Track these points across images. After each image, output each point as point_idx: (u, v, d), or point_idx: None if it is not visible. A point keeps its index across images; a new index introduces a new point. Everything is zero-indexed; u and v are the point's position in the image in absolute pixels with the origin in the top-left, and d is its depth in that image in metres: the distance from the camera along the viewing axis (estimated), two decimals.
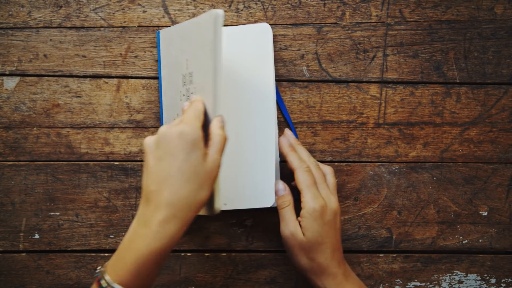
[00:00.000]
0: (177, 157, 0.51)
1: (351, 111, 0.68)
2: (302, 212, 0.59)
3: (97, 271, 0.67)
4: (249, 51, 0.65)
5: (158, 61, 0.67)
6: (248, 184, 0.65)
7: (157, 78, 0.68)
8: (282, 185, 0.62)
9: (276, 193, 0.62)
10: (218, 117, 0.55)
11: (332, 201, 0.60)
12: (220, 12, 0.54)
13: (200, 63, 0.58)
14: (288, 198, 0.61)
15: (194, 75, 0.59)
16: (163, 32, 0.66)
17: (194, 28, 0.59)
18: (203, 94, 0.57)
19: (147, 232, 0.50)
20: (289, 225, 0.59)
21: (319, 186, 0.61)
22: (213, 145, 0.53)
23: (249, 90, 0.65)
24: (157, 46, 0.67)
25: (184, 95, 0.62)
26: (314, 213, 0.58)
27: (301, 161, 0.62)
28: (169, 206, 0.50)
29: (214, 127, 0.54)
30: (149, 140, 0.53)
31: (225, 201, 0.65)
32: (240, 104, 0.66)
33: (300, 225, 0.59)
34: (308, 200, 0.59)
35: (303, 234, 0.59)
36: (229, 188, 0.65)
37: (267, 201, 0.64)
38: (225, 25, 0.67)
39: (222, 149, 0.54)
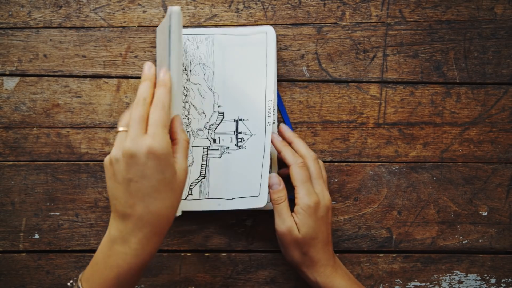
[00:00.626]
0: (151, 178, 0.50)
1: (351, 111, 0.68)
2: (297, 208, 0.60)
3: (69, 284, 0.67)
4: (253, 52, 0.65)
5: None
6: (242, 184, 0.65)
7: None
8: (277, 179, 0.62)
9: (271, 187, 0.62)
10: (177, 118, 0.54)
11: (326, 197, 0.61)
12: (175, 9, 0.54)
13: (164, 59, 0.57)
14: (283, 193, 0.61)
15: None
16: (158, 27, 0.65)
17: (163, 24, 0.59)
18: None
19: (127, 249, 0.51)
20: (286, 221, 0.59)
21: (314, 182, 0.61)
22: (179, 151, 0.53)
23: (249, 94, 0.66)
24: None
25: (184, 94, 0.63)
26: (308, 209, 0.59)
27: (295, 157, 0.62)
28: (148, 225, 0.50)
29: (178, 130, 0.54)
30: (109, 160, 0.52)
31: (220, 202, 0.65)
32: (240, 105, 0.66)
33: (294, 221, 0.60)
34: (303, 197, 0.60)
35: (298, 230, 0.59)
36: (224, 188, 0.65)
37: (261, 202, 0.64)
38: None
39: (187, 153, 0.54)
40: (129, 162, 0.50)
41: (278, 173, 0.66)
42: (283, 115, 0.67)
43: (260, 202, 0.64)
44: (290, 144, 0.64)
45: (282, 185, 0.62)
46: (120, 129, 0.52)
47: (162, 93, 0.52)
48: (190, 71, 0.66)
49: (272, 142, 0.64)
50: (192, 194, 0.65)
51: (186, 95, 0.66)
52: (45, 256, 0.67)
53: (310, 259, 0.60)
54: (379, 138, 0.68)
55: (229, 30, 0.66)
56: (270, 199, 0.62)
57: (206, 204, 0.65)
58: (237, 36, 0.66)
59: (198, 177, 0.65)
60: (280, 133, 0.65)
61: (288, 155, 0.62)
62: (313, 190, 0.60)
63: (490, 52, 0.68)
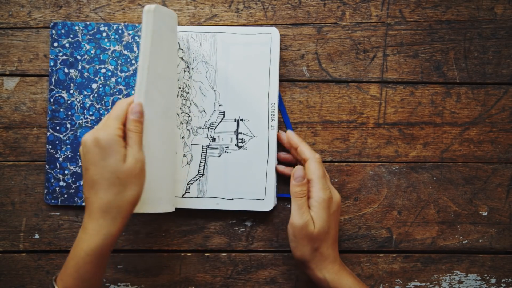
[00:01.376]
0: (98, 165, 0.54)
1: (351, 111, 0.68)
2: (311, 201, 0.60)
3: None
4: (256, 53, 0.66)
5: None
6: (244, 186, 0.65)
7: None
8: (302, 172, 0.61)
9: (295, 179, 0.61)
10: (132, 110, 0.56)
11: (336, 194, 0.62)
12: (148, 7, 0.56)
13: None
14: (306, 188, 0.61)
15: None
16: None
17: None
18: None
19: (84, 236, 0.54)
20: (304, 215, 0.59)
21: (326, 179, 0.62)
22: (130, 142, 0.55)
23: (251, 95, 0.66)
24: None
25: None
26: (323, 203, 0.60)
27: (313, 152, 0.63)
28: (99, 211, 0.54)
29: (128, 123, 0.56)
30: (79, 151, 0.57)
31: (219, 201, 0.65)
32: (242, 106, 0.66)
33: (311, 216, 0.60)
34: (318, 191, 0.60)
35: (314, 225, 0.59)
36: (223, 188, 0.65)
37: (267, 205, 0.65)
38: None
39: (138, 144, 0.56)
40: (83, 151, 0.55)
41: (276, 169, 0.66)
42: (283, 115, 0.67)
43: (266, 205, 0.65)
44: (296, 148, 0.64)
45: (306, 180, 0.61)
46: None
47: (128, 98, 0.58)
48: (193, 68, 0.66)
49: (289, 136, 0.65)
50: (189, 192, 0.65)
51: (188, 92, 0.66)
52: (45, 256, 0.67)
53: (320, 255, 0.60)
54: (379, 138, 0.68)
55: (233, 29, 0.66)
56: (291, 191, 0.61)
57: (203, 202, 0.65)
58: (241, 35, 0.66)
59: (196, 175, 0.66)
60: (288, 139, 0.65)
61: (307, 150, 0.63)
62: (327, 186, 0.61)
63: (490, 52, 0.68)
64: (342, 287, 0.59)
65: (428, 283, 0.68)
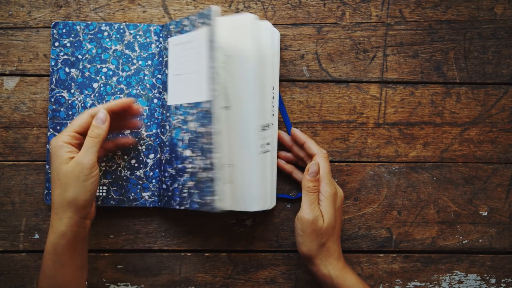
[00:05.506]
0: (51, 167, 0.58)
1: (351, 111, 0.68)
2: (319, 196, 0.61)
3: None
4: (257, 49, 0.64)
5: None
6: (248, 186, 0.65)
7: None
8: (317, 167, 0.62)
9: (310, 174, 0.61)
10: (97, 115, 0.58)
11: (340, 189, 0.63)
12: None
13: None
14: (318, 184, 0.61)
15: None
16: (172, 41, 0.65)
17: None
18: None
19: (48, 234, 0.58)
20: (315, 210, 0.60)
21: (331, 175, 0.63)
22: (84, 145, 0.57)
23: (251, 92, 0.65)
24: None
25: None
26: (330, 197, 0.60)
27: (320, 148, 0.64)
28: (51, 209, 0.57)
29: (91, 127, 0.58)
30: None
31: (224, 203, 0.65)
32: (243, 106, 0.66)
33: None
34: (325, 185, 0.61)
35: (323, 220, 0.60)
36: (229, 190, 0.65)
37: (268, 204, 0.65)
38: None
39: (89, 148, 0.57)
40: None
41: (277, 164, 0.66)
42: (283, 115, 0.67)
43: (268, 204, 0.65)
44: (302, 144, 0.65)
45: (319, 176, 0.62)
46: None
47: (100, 106, 0.60)
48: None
49: (294, 134, 0.65)
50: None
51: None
52: None
53: (326, 250, 0.60)
54: (379, 138, 0.68)
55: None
56: (302, 185, 0.61)
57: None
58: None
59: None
60: (293, 136, 0.66)
61: (314, 145, 0.64)
62: (333, 181, 0.62)
63: (490, 52, 0.68)
64: (346, 284, 0.60)
65: (428, 283, 0.68)
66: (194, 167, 0.61)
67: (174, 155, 0.63)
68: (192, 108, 0.61)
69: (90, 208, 0.57)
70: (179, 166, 0.63)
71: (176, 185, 0.63)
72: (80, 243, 0.58)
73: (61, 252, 0.56)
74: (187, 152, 0.62)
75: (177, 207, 0.63)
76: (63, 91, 0.66)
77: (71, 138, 0.58)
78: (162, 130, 0.65)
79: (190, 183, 0.61)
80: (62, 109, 0.66)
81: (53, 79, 0.66)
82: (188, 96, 0.62)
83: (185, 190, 0.62)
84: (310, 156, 0.64)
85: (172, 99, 0.64)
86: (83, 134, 0.58)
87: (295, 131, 0.65)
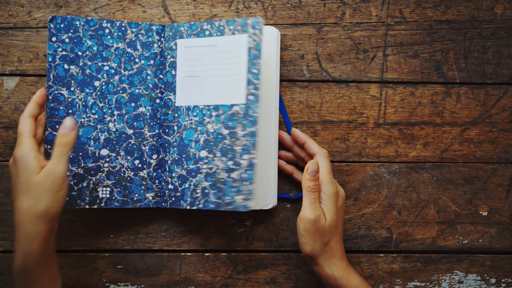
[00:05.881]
0: (13, 178, 0.56)
1: (351, 111, 0.68)
2: (321, 195, 0.61)
3: None
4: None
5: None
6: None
7: None
8: (316, 167, 0.61)
9: (310, 173, 0.60)
10: (64, 122, 0.57)
11: (341, 189, 0.63)
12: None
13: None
14: (318, 183, 0.61)
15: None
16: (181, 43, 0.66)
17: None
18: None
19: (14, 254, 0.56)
20: (316, 209, 0.59)
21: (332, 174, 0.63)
22: (53, 154, 0.56)
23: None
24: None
25: None
26: (332, 196, 0.60)
27: (320, 147, 0.64)
28: (16, 226, 0.55)
29: (57, 137, 0.57)
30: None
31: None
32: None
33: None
34: (326, 184, 0.61)
35: (325, 219, 0.60)
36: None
37: (268, 203, 0.65)
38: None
39: (59, 157, 0.55)
40: (9, 172, 0.58)
41: (278, 164, 0.66)
42: (283, 115, 0.67)
43: (268, 203, 0.65)
44: (303, 144, 0.65)
45: (319, 175, 0.61)
46: None
47: (28, 104, 0.60)
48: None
49: (294, 134, 0.65)
50: None
51: None
52: None
53: (330, 250, 0.60)
54: (379, 138, 0.68)
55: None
56: (302, 184, 0.60)
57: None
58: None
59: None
60: (293, 136, 0.66)
61: (314, 145, 0.64)
62: (334, 180, 0.62)
63: (490, 52, 0.68)
64: (350, 284, 0.59)
65: (428, 283, 0.68)
66: (211, 167, 0.62)
67: (184, 155, 0.64)
68: (212, 110, 0.62)
69: (57, 220, 0.56)
70: (191, 166, 0.63)
71: (186, 185, 0.63)
72: (49, 256, 0.56)
73: (31, 270, 0.54)
74: (203, 153, 0.63)
75: (188, 207, 0.63)
76: (62, 89, 0.64)
77: (34, 145, 0.56)
78: (167, 130, 0.65)
79: (205, 183, 0.62)
80: (61, 108, 0.64)
81: (51, 75, 0.63)
82: (206, 98, 0.63)
83: (198, 190, 0.62)
84: (311, 156, 0.64)
85: (182, 100, 0.64)
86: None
87: (295, 131, 0.65)
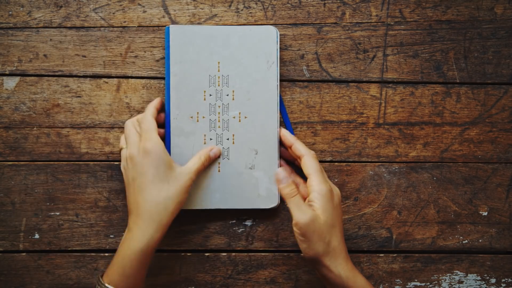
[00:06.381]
0: (148, 173, 0.59)
1: (351, 111, 0.68)
2: (313, 195, 0.59)
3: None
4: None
5: (166, 55, 0.65)
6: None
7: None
8: (285, 172, 0.60)
9: (280, 182, 0.60)
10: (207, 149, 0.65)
11: (336, 188, 0.62)
12: (274, 29, 0.65)
13: (248, 68, 0.66)
14: (294, 186, 0.60)
15: (234, 80, 0.66)
16: (174, 28, 0.65)
17: (238, 35, 0.66)
18: (249, 101, 0.66)
19: (129, 235, 0.59)
20: (306, 211, 0.58)
21: (324, 173, 0.62)
22: (192, 158, 0.63)
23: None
24: (165, 41, 0.66)
25: (211, 95, 0.65)
26: (326, 194, 0.59)
27: (308, 149, 0.63)
28: (146, 212, 0.58)
29: (204, 149, 0.65)
30: (122, 163, 0.62)
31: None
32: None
33: (312, 208, 0.59)
34: (319, 183, 0.60)
35: (319, 216, 0.58)
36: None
37: (271, 202, 0.65)
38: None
39: (202, 159, 0.63)
40: (131, 164, 0.60)
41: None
42: (283, 115, 0.67)
43: (271, 202, 0.66)
44: (290, 147, 0.64)
45: (291, 178, 0.61)
46: (122, 146, 0.63)
47: (148, 108, 0.64)
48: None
49: (283, 135, 0.65)
50: None
51: None
52: (45, 256, 0.67)
53: (334, 250, 0.59)
54: (379, 138, 0.68)
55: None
56: (281, 195, 0.60)
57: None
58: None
59: None
60: (282, 138, 0.65)
61: (301, 147, 0.63)
62: (327, 179, 0.62)
63: (490, 52, 0.68)
64: (356, 285, 0.58)
65: (428, 283, 0.68)
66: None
67: None
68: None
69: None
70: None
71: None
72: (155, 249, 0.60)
73: (149, 254, 0.59)
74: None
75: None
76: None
77: (162, 142, 0.60)
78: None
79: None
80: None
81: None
82: None
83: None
84: (299, 158, 0.63)
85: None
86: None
87: (284, 133, 0.65)
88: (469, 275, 0.68)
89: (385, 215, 0.68)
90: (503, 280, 0.68)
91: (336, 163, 0.68)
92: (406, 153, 0.68)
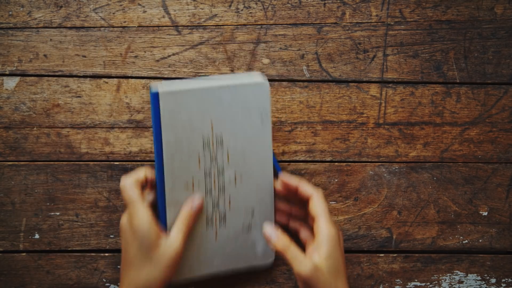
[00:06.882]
0: (130, 250, 0.56)
1: (351, 111, 0.68)
2: (320, 239, 0.56)
3: None
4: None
5: (153, 119, 0.59)
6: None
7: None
8: (272, 226, 0.59)
9: (271, 238, 0.58)
10: (190, 202, 0.60)
11: (338, 228, 0.61)
12: (266, 83, 0.61)
13: (242, 126, 0.61)
14: (285, 237, 0.57)
15: (228, 139, 0.61)
16: (164, 94, 0.58)
17: (230, 93, 0.60)
18: (243, 160, 0.61)
19: None
20: (305, 262, 0.55)
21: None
22: (175, 225, 0.59)
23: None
24: (151, 103, 0.58)
25: (205, 159, 0.61)
26: (335, 237, 0.56)
27: (315, 187, 0.60)
28: (131, 287, 0.56)
29: (183, 208, 0.60)
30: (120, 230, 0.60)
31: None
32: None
33: (317, 254, 0.56)
34: (328, 227, 0.56)
35: (324, 264, 0.55)
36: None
37: (268, 258, 0.65)
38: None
39: (185, 228, 0.59)
40: (120, 232, 0.58)
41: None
42: (274, 163, 0.67)
43: (267, 258, 0.66)
44: (295, 190, 0.61)
45: (280, 229, 0.59)
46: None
47: (130, 176, 0.59)
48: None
49: (284, 180, 0.61)
50: None
51: None
52: (45, 256, 0.67)
53: None
54: (379, 138, 0.68)
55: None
56: (278, 249, 0.57)
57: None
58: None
59: None
60: (284, 183, 0.62)
61: (308, 187, 0.60)
62: (333, 221, 0.60)
63: (490, 52, 0.68)
64: None
65: (428, 283, 0.68)
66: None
67: None
68: None
69: None
70: None
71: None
72: None
73: None
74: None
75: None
76: None
77: (150, 215, 0.57)
78: None
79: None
80: None
81: None
82: None
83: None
84: (306, 199, 0.60)
85: None
86: None
87: (285, 177, 0.61)
88: (469, 275, 0.68)
89: (385, 215, 0.68)
90: (503, 280, 0.68)
91: (336, 163, 0.68)
92: (406, 153, 0.68)
